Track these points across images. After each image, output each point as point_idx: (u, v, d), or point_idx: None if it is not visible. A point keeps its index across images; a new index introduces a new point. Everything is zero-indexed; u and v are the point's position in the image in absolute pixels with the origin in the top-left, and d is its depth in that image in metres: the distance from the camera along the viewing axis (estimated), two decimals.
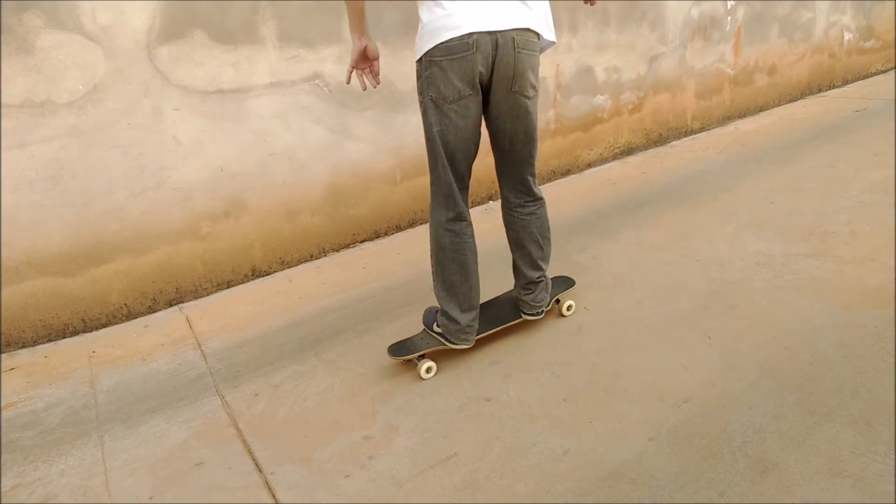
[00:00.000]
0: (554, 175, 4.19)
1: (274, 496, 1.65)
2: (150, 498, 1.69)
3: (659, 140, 4.82)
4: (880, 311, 2.16)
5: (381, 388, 2.07)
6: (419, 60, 1.88)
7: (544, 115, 4.01)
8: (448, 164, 1.97)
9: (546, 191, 3.95)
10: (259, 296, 2.90)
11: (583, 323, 2.34)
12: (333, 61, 3.09)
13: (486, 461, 1.69)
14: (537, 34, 1.88)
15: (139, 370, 2.35)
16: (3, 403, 2.21)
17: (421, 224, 3.60)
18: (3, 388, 2.30)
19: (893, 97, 5.33)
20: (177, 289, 2.88)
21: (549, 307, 2.32)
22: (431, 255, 2.09)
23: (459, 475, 1.65)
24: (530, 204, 2.13)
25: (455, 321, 2.06)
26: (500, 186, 2.16)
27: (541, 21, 1.88)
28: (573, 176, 4.26)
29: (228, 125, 2.86)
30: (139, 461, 1.84)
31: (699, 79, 4.93)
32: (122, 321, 2.77)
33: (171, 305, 2.88)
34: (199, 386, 2.21)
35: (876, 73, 6.68)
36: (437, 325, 2.13)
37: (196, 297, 2.93)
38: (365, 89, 2.05)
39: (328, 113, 3.13)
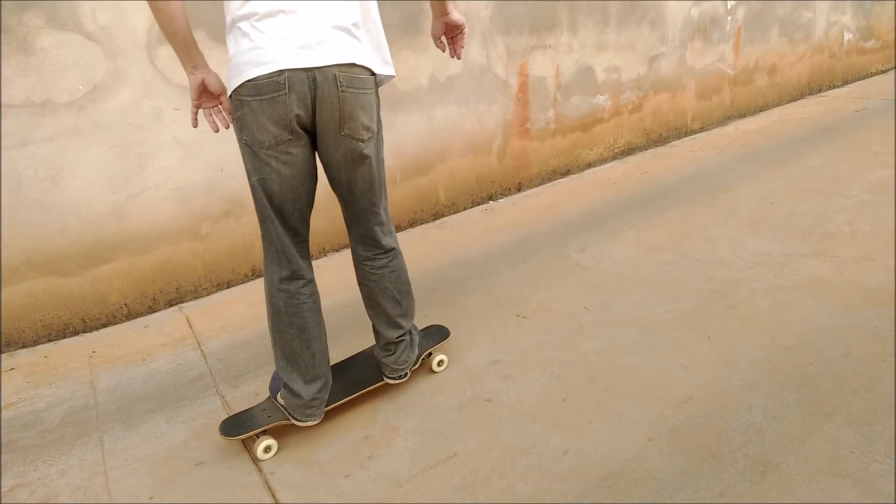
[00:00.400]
0: (554, 175, 4.19)
1: (274, 496, 1.65)
2: (150, 498, 1.69)
3: (659, 140, 4.82)
4: (880, 311, 2.16)
5: (382, 388, 2.07)
6: (230, 98, 1.61)
7: (545, 115, 4.01)
8: (276, 216, 1.68)
9: (546, 191, 3.99)
10: (259, 296, 2.90)
11: (583, 323, 2.34)
12: None
13: (486, 461, 1.69)
14: (369, 69, 1.60)
15: (139, 370, 2.35)
16: (3, 403, 2.21)
17: (421, 224, 3.60)
18: (3, 388, 2.30)
19: (893, 97, 5.33)
20: (177, 289, 2.88)
21: (418, 365, 2.06)
22: (268, 319, 1.79)
23: (459, 475, 1.65)
24: (381, 257, 1.85)
25: (297, 395, 1.77)
26: (349, 237, 1.88)
27: (371, 54, 1.62)
28: (573, 176, 4.26)
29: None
30: (139, 461, 1.84)
31: (699, 79, 4.93)
32: (122, 321, 2.77)
33: (171, 305, 2.88)
34: (199, 386, 2.21)
35: (876, 73, 6.68)
36: (281, 396, 1.83)
37: (196, 297, 2.93)
38: (217, 131, 1.71)
39: None
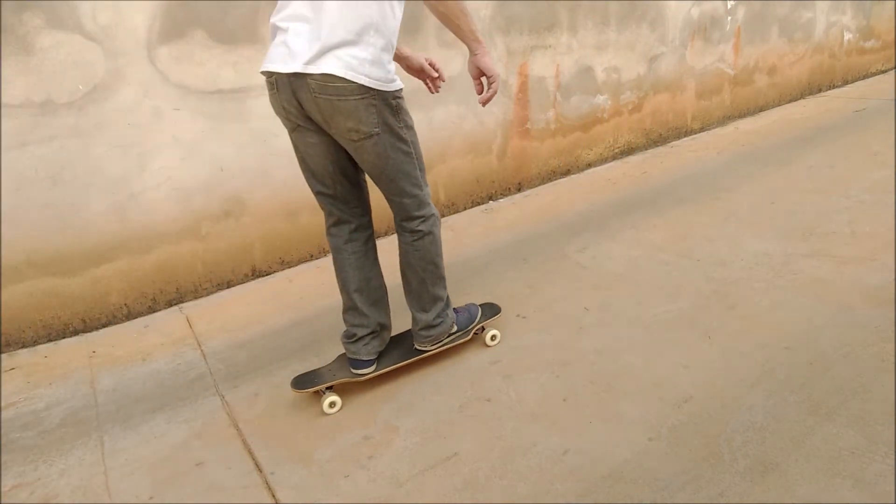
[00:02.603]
0: (554, 175, 4.19)
1: (274, 496, 1.65)
2: (150, 498, 1.69)
3: (659, 140, 4.82)
4: (880, 311, 2.16)
5: (381, 388, 2.07)
6: None
7: (544, 115, 4.01)
8: (310, 185, 2.00)
9: (546, 191, 3.99)
10: (259, 296, 2.90)
11: (583, 323, 2.34)
12: None
13: (486, 461, 1.69)
14: (346, 79, 1.67)
15: (139, 370, 2.35)
16: (3, 403, 2.21)
17: None
18: (3, 388, 2.30)
19: (893, 97, 5.33)
20: (177, 289, 2.88)
21: (468, 338, 2.19)
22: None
23: (459, 475, 1.65)
24: (407, 234, 2.02)
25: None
26: None
27: (342, 64, 1.66)
28: (573, 176, 4.26)
29: (228, 125, 2.86)
30: (139, 461, 1.84)
31: (699, 79, 4.93)
32: (122, 321, 2.77)
33: (171, 305, 2.88)
34: (199, 386, 2.21)
35: (876, 73, 6.68)
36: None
37: (196, 297, 2.93)
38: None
39: None
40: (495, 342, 2.27)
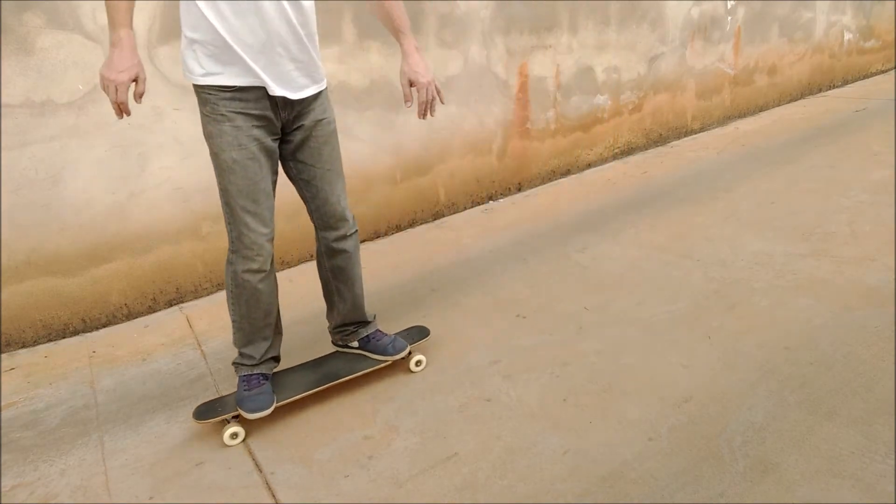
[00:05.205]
0: (554, 175, 4.19)
1: (274, 496, 1.65)
2: (150, 498, 1.69)
3: (659, 140, 4.82)
4: (880, 311, 2.16)
5: (381, 388, 2.07)
6: None
7: (545, 115, 4.01)
8: None
9: (546, 191, 4.00)
10: None
11: (583, 323, 2.34)
12: (333, 61, 3.09)
13: (486, 461, 1.69)
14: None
15: (139, 370, 2.35)
16: (3, 403, 2.21)
17: (421, 224, 3.60)
18: (3, 388, 2.30)
19: (893, 97, 5.33)
20: (177, 289, 2.88)
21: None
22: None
23: (459, 475, 1.65)
24: None
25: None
26: None
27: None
28: (573, 176, 4.26)
29: None
30: (139, 461, 1.84)
31: (699, 79, 4.93)
32: (122, 321, 2.77)
33: (172, 305, 2.88)
34: (199, 386, 2.21)
35: (876, 73, 6.68)
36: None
37: (196, 297, 2.93)
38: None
39: None
40: (420, 367, 2.14)
